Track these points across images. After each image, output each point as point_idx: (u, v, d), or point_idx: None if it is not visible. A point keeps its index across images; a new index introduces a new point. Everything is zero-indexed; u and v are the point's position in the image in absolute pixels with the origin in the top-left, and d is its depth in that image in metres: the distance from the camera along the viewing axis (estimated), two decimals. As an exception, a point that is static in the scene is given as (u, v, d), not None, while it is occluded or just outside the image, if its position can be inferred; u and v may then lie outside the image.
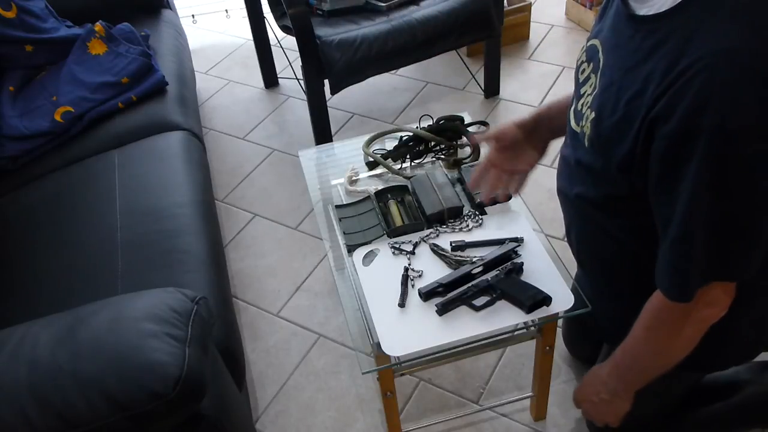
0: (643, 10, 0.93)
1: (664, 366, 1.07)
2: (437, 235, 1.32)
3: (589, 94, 1.05)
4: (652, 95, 0.89)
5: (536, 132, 1.29)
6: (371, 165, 1.53)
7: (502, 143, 1.28)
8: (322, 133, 2.28)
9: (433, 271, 1.25)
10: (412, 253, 1.29)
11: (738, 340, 1.16)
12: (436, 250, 1.28)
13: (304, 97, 2.54)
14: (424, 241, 1.30)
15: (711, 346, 1.04)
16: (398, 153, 1.51)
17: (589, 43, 1.10)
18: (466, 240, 1.29)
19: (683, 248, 0.92)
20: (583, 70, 1.10)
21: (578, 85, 1.12)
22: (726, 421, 1.40)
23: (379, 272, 1.27)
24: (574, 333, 1.59)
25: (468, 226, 1.33)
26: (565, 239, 1.92)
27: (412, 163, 1.53)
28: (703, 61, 0.82)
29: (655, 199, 0.95)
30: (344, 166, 1.56)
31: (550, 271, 1.23)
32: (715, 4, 0.85)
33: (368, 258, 1.29)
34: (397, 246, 1.30)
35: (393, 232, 1.33)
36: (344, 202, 1.45)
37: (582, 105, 1.07)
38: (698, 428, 1.39)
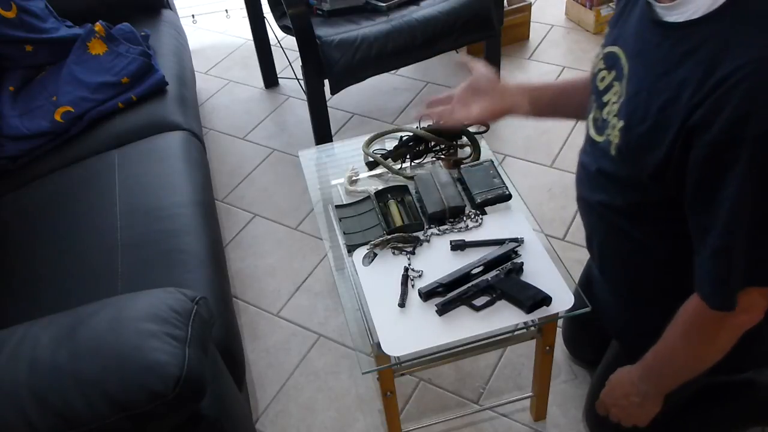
0: (671, 17, 0.92)
1: (698, 370, 1.07)
2: (440, 234, 1.32)
3: (614, 102, 1.04)
4: (688, 103, 0.88)
5: (531, 101, 1.30)
6: (371, 165, 1.53)
7: (477, 84, 1.31)
8: (322, 133, 2.28)
9: (433, 271, 1.25)
10: (412, 253, 1.29)
11: (766, 343, 1.16)
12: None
13: (304, 97, 2.54)
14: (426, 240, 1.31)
15: (740, 349, 1.04)
16: (398, 153, 1.51)
17: (606, 51, 1.08)
18: (466, 240, 1.29)
19: (725, 257, 0.92)
20: (603, 78, 1.08)
21: (598, 93, 1.10)
22: (734, 418, 1.40)
23: (379, 272, 1.27)
24: (575, 334, 1.59)
25: (468, 226, 1.33)
26: (564, 239, 1.92)
27: (412, 163, 1.53)
28: (746, 69, 0.82)
29: (692, 208, 0.95)
30: (344, 166, 1.56)
31: (550, 271, 1.23)
32: (749, 12, 0.84)
33: (368, 258, 1.29)
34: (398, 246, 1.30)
35: (392, 231, 1.33)
36: (344, 202, 1.45)
37: (607, 113, 1.06)
38: (705, 426, 1.39)
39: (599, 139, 1.08)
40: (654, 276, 1.15)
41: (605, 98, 1.07)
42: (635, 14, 1.02)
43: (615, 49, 1.06)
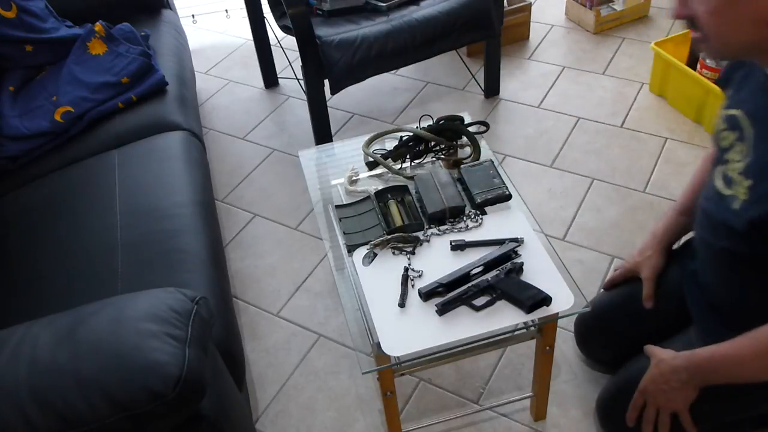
0: None
1: (753, 381, 1.12)
2: (440, 234, 1.32)
3: (738, 161, 1.11)
4: None
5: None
6: (371, 165, 1.53)
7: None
8: (322, 133, 2.28)
9: (433, 271, 1.25)
10: (412, 253, 1.29)
11: None
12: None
13: (304, 97, 2.54)
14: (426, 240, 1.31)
15: None
16: (398, 153, 1.51)
17: (727, 113, 1.16)
18: (466, 240, 1.29)
19: None
20: (725, 137, 1.16)
21: (721, 150, 1.17)
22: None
23: (379, 272, 1.27)
24: (591, 334, 1.58)
25: (468, 226, 1.33)
26: (564, 239, 1.91)
27: (412, 163, 1.53)
28: None
29: None
30: (344, 166, 1.56)
31: (550, 271, 1.23)
32: None
33: (368, 258, 1.29)
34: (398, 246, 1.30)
35: (392, 231, 1.33)
36: (344, 202, 1.45)
37: (731, 171, 1.13)
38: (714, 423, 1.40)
39: (726, 192, 1.13)
40: (763, 316, 1.19)
41: (727, 156, 1.14)
42: (753, 83, 1.09)
43: (737, 112, 1.13)
